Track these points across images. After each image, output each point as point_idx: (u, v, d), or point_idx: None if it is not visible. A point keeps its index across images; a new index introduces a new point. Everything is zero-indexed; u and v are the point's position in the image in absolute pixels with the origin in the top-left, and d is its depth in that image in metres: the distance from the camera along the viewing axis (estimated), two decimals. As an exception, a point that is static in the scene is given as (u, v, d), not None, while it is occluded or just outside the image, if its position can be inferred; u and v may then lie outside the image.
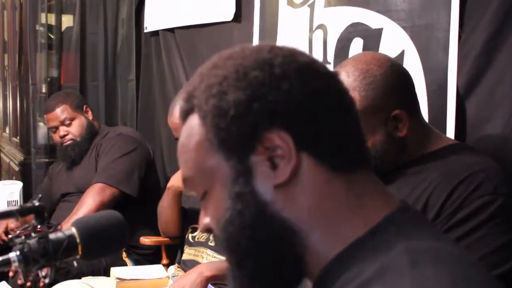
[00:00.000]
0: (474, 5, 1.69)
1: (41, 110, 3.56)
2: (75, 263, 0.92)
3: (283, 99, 0.72)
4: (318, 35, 2.15)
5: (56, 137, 2.95)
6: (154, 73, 3.42)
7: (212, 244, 2.15)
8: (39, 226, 0.85)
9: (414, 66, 1.77)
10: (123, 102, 3.73)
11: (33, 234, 0.84)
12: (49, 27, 3.88)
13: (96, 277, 2.46)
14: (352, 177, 0.74)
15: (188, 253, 2.23)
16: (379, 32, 1.91)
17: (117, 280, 2.16)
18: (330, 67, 1.58)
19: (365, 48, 1.95)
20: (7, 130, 5.19)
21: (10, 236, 0.86)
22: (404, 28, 1.84)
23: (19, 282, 2.35)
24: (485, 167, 1.33)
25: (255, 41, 2.46)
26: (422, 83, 1.76)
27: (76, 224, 0.89)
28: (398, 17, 1.85)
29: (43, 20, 3.87)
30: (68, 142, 2.88)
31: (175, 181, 2.22)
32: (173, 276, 2.20)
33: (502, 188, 1.30)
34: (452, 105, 1.69)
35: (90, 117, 2.96)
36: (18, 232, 0.84)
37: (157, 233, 2.52)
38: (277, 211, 0.73)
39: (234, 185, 0.73)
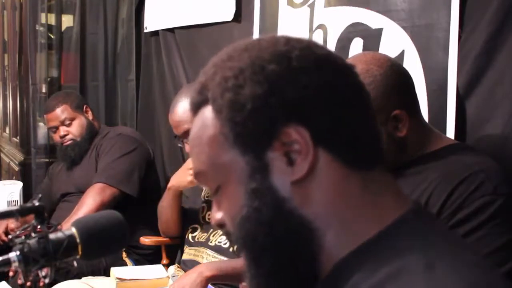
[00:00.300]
0: (474, 5, 1.69)
1: (41, 110, 3.56)
2: (75, 263, 0.92)
3: (300, 94, 0.71)
4: (318, 35, 2.14)
5: (56, 137, 2.95)
6: (154, 73, 3.42)
7: (212, 244, 2.15)
8: (39, 226, 0.85)
9: (414, 66, 1.77)
10: (123, 102, 3.73)
11: (33, 234, 0.84)
12: (49, 27, 3.88)
13: (96, 277, 2.46)
14: (368, 175, 0.73)
15: (188, 253, 2.22)
16: (379, 32, 1.91)
17: (117, 280, 2.16)
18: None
19: (365, 48, 1.95)
20: (7, 130, 5.19)
21: (10, 236, 0.86)
22: (404, 28, 1.84)
23: (19, 282, 2.36)
24: (485, 167, 1.33)
25: (255, 41, 2.46)
26: (422, 83, 1.76)
27: (76, 224, 0.89)
28: (398, 17, 1.85)
29: (43, 20, 3.87)
30: (68, 142, 2.88)
31: (175, 181, 2.22)
32: (173, 276, 2.20)
33: (502, 188, 1.30)
34: (452, 105, 1.69)
35: (90, 117, 2.96)
36: (18, 232, 0.84)
37: (157, 233, 2.52)
38: (294, 207, 0.71)
39: (251, 181, 0.72)
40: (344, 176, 0.72)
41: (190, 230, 2.26)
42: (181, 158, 2.97)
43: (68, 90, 3.56)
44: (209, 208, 2.22)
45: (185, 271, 2.15)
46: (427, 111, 1.75)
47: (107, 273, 2.40)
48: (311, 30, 2.19)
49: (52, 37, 3.86)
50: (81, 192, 2.75)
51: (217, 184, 0.76)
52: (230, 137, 0.72)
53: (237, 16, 2.66)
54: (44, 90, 3.82)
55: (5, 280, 2.36)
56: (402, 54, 1.83)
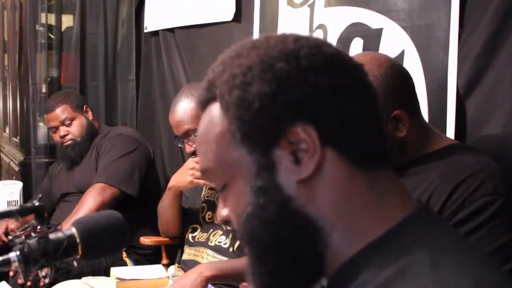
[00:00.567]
0: (474, 5, 1.69)
1: (41, 110, 3.56)
2: (75, 263, 0.92)
3: (309, 93, 0.70)
4: (318, 35, 2.14)
5: (56, 137, 2.95)
6: (154, 73, 3.42)
7: (212, 244, 2.15)
8: (39, 226, 0.85)
9: (414, 66, 1.77)
10: (123, 102, 3.73)
11: (33, 234, 0.84)
12: (49, 27, 3.88)
13: (96, 277, 2.46)
14: (374, 175, 0.73)
15: (188, 253, 2.22)
16: (379, 32, 1.91)
17: (117, 280, 2.16)
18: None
19: (365, 48, 1.95)
20: (7, 130, 5.19)
21: (10, 237, 0.86)
22: (404, 28, 1.84)
23: (19, 282, 2.36)
24: (485, 167, 1.32)
25: (255, 41, 2.46)
26: (422, 83, 1.76)
27: (76, 224, 0.89)
28: (398, 17, 1.85)
29: (43, 20, 3.87)
30: (68, 142, 2.88)
31: (175, 181, 2.22)
32: (173, 276, 2.20)
33: (502, 188, 1.30)
34: (452, 105, 1.69)
35: (90, 117, 2.96)
36: (18, 232, 0.84)
37: (157, 233, 2.52)
38: (300, 206, 0.71)
39: (257, 179, 0.72)
40: (350, 176, 0.72)
41: (190, 230, 2.26)
42: (181, 158, 2.98)
43: (68, 90, 3.56)
44: (209, 208, 2.22)
45: (185, 271, 2.15)
46: (427, 111, 1.75)
47: (107, 273, 2.40)
48: (311, 30, 2.19)
49: (52, 37, 3.86)
50: (81, 192, 2.75)
51: (224, 181, 0.76)
52: (237, 135, 0.72)
53: (237, 16, 2.66)
54: (44, 90, 3.82)
55: (5, 280, 2.36)
56: (402, 54, 1.83)
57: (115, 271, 2.24)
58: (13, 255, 0.82)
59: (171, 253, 2.61)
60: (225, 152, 0.74)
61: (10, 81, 5.00)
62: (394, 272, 0.65)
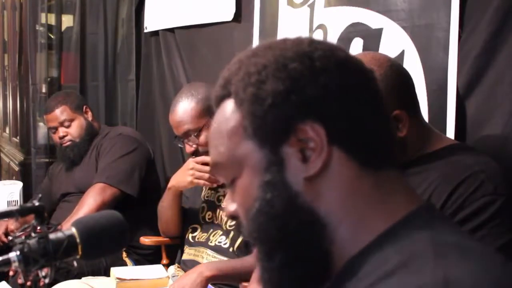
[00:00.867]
0: (474, 5, 1.69)
1: (41, 110, 3.56)
2: (75, 263, 0.92)
3: (319, 93, 0.73)
4: (318, 35, 2.14)
5: (55, 138, 2.95)
6: (154, 73, 3.42)
7: (212, 244, 2.15)
8: (39, 227, 0.85)
9: (414, 66, 1.77)
10: (123, 102, 3.73)
11: (33, 234, 0.84)
12: (49, 27, 3.88)
13: (96, 277, 2.46)
14: (381, 174, 0.75)
15: (188, 253, 2.22)
16: (379, 32, 1.91)
17: (117, 280, 2.16)
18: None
19: (365, 48, 1.95)
20: (7, 130, 5.19)
21: (10, 237, 0.87)
22: (404, 28, 1.84)
23: (19, 281, 2.36)
24: (485, 167, 1.32)
25: (255, 41, 2.46)
26: (422, 83, 1.76)
27: (76, 224, 0.89)
28: (398, 17, 1.85)
29: (43, 20, 3.87)
30: (67, 143, 2.88)
31: (176, 181, 2.22)
32: (173, 276, 2.20)
33: (502, 189, 1.30)
34: (452, 105, 1.69)
35: (90, 118, 2.96)
36: (18, 233, 0.84)
37: (157, 233, 2.52)
38: (307, 203, 0.73)
39: (265, 174, 0.74)
40: (356, 175, 0.74)
41: (190, 230, 2.26)
42: (181, 158, 2.97)
43: (68, 90, 3.56)
44: (209, 208, 2.22)
45: (185, 271, 2.15)
46: (427, 111, 1.75)
47: (107, 273, 2.40)
48: (311, 30, 2.19)
49: (52, 37, 3.86)
50: (81, 192, 2.75)
51: (233, 176, 0.78)
52: (249, 129, 0.75)
53: (237, 16, 2.66)
54: (44, 90, 3.82)
55: (5, 280, 2.36)
56: (402, 54, 1.83)
57: (115, 271, 2.24)
58: (13, 255, 0.82)
59: (171, 253, 2.61)
60: (236, 146, 0.76)
61: (10, 81, 5.00)
62: (398, 263, 0.66)
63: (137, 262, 2.73)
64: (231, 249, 2.10)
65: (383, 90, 1.21)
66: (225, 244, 2.12)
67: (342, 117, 0.73)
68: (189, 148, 2.16)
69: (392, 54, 1.78)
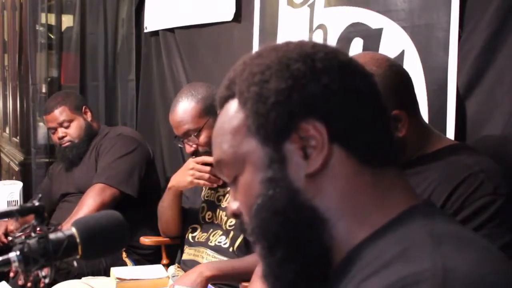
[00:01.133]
0: (474, 5, 1.69)
1: (41, 110, 3.55)
2: (75, 263, 0.92)
3: (321, 92, 0.75)
4: (318, 35, 2.14)
5: (55, 138, 2.95)
6: (154, 73, 3.42)
7: (212, 244, 2.15)
8: (39, 227, 0.85)
9: (414, 66, 1.77)
10: (123, 102, 3.73)
11: (33, 234, 0.84)
12: (49, 27, 3.88)
13: (96, 277, 2.46)
14: (380, 172, 0.77)
15: (188, 253, 2.22)
16: (379, 32, 1.91)
17: (117, 280, 2.16)
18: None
19: (365, 48, 1.95)
20: (7, 130, 5.19)
21: (10, 238, 0.86)
22: (404, 28, 1.84)
23: (20, 282, 2.36)
24: (485, 167, 1.32)
25: (255, 41, 2.46)
26: (422, 83, 1.76)
27: (76, 224, 0.89)
28: (398, 17, 1.85)
29: (43, 20, 3.87)
30: (66, 144, 2.88)
31: (176, 181, 2.22)
32: (173, 276, 2.20)
33: (502, 189, 1.30)
34: (452, 105, 1.69)
35: (89, 118, 2.95)
36: (18, 233, 0.84)
37: (157, 233, 2.52)
38: (308, 199, 0.75)
39: (268, 171, 0.76)
40: (356, 172, 0.76)
41: (190, 230, 2.26)
42: (181, 158, 2.97)
43: (68, 90, 3.55)
44: (209, 208, 2.22)
45: (185, 271, 2.15)
46: (427, 111, 1.75)
47: (107, 273, 2.40)
48: (311, 30, 2.19)
49: (52, 37, 3.85)
50: (81, 192, 2.75)
51: (235, 173, 0.80)
52: (252, 127, 0.77)
53: (237, 16, 2.66)
54: (44, 90, 3.82)
55: (5, 280, 2.36)
56: (402, 54, 1.83)
57: (115, 271, 2.24)
58: (13, 255, 0.82)
59: (171, 253, 2.61)
60: (240, 143, 0.78)
61: (10, 81, 5.00)
62: (396, 253, 0.68)
63: (137, 262, 2.73)
64: (231, 249, 2.10)
65: (382, 90, 1.22)
66: (225, 244, 2.12)
67: (342, 116, 0.75)
68: (189, 148, 2.16)
69: (392, 54, 1.78)
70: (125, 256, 2.74)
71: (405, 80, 1.41)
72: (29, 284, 2.32)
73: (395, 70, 1.39)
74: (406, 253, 0.67)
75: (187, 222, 2.30)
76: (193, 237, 2.23)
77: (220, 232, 2.16)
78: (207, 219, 2.22)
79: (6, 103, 5.21)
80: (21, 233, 0.84)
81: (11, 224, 2.85)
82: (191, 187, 2.21)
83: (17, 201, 3.35)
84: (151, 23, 3.34)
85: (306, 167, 0.75)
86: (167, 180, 2.41)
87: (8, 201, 3.32)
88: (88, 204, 2.59)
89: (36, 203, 0.88)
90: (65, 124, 2.88)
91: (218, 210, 2.18)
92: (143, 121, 3.56)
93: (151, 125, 3.47)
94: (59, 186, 2.97)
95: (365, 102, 0.78)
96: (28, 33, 3.80)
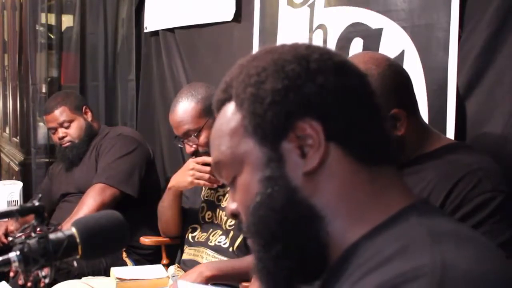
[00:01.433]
0: (474, 5, 1.69)
1: (41, 110, 3.55)
2: (75, 263, 0.92)
3: (317, 92, 0.76)
4: (318, 35, 2.14)
5: (55, 138, 2.95)
6: (154, 73, 3.42)
7: (212, 244, 2.15)
8: (39, 227, 0.85)
9: (414, 66, 1.77)
10: (123, 102, 3.73)
11: (33, 234, 0.84)
12: (49, 27, 3.88)
13: (96, 277, 2.46)
14: (377, 170, 0.78)
15: (188, 253, 2.23)
16: (379, 32, 1.91)
17: (117, 280, 2.16)
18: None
19: (365, 48, 1.95)
20: (7, 130, 5.19)
21: (10, 238, 0.87)
22: (404, 28, 1.84)
23: (20, 282, 2.36)
24: (484, 165, 1.33)
25: (255, 41, 2.46)
26: (422, 83, 1.76)
27: (76, 224, 0.89)
28: (398, 17, 1.85)
29: (43, 20, 3.87)
30: (66, 144, 2.88)
31: (176, 181, 2.22)
32: (173, 276, 2.20)
33: (502, 186, 1.30)
34: (452, 105, 1.69)
35: (89, 118, 2.95)
36: (18, 233, 0.84)
37: (157, 233, 2.52)
38: (305, 196, 0.76)
39: (266, 170, 0.77)
40: (353, 170, 0.77)
41: (190, 230, 2.26)
42: (181, 158, 2.98)
43: (68, 90, 3.55)
44: (209, 208, 2.22)
45: (185, 271, 2.15)
46: (427, 111, 1.75)
47: (107, 273, 2.40)
48: (311, 30, 2.19)
49: (52, 37, 3.85)
50: (81, 192, 2.75)
51: (234, 173, 0.81)
52: (249, 127, 0.78)
53: (237, 16, 2.66)
54: (44, 90, 3.82)
55: (5, 280, 2.36)
56: (402, 54, 1.83)
57: (115, 271, 2.24)
58: (13, 255, 0.82)
59: (171, 253, 2.61)
60: (237, 144, 0.79)
61: (10, 81, 5.00)
62: (395, 250, 0.68)
63: (137, 262, 2.73)
64: (230, 249, 2.10)
65: (381, 89, 1.23)
66: (224, 244, 2.12)
67: (338, 115, 0.77)
68: (189, 148, 2.16)
69: (392, 54, 1.78)
70: (125, 256, 2.74)
71: (405, 80, 1.41)
72: (29, 284, 2.32)
73: (395, 70, 1.39)
74: (405, 250, 0.67)
75: (187, 222, 2.30)
76: (193, 237, 2.23)
77: (220, 232, 2.16)
78: (207, 219, 2.22)
79: (6, 103, 5.21)
80: (21, 233, 0.84)
81: (11, 224, 2.85)
82: (191, 187, 2.21)
83: (17, 201, 3.35)
84: (151, 23, 3.34)
85: (303, 166, 0.76)
86: (167, 180, 2.41)
87: (8, 201, 3.32)
88: (88, 204, 2.59)
89: (36, 203, 0.88)
90: (65, 124, 2.88)
91: (218, 210, 2.18)
92: (143, 121, 3.56)
93: (151, 125, 3.47)
94: (59, 186, 2.97)
95: (360, 102, 0.79)
96: (28, 33, 3.80)
